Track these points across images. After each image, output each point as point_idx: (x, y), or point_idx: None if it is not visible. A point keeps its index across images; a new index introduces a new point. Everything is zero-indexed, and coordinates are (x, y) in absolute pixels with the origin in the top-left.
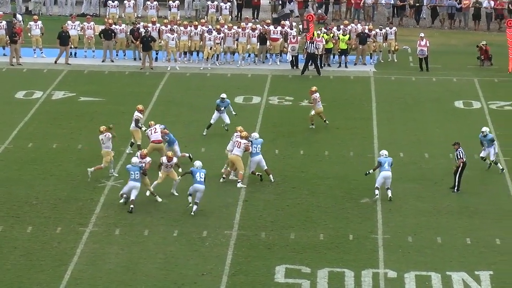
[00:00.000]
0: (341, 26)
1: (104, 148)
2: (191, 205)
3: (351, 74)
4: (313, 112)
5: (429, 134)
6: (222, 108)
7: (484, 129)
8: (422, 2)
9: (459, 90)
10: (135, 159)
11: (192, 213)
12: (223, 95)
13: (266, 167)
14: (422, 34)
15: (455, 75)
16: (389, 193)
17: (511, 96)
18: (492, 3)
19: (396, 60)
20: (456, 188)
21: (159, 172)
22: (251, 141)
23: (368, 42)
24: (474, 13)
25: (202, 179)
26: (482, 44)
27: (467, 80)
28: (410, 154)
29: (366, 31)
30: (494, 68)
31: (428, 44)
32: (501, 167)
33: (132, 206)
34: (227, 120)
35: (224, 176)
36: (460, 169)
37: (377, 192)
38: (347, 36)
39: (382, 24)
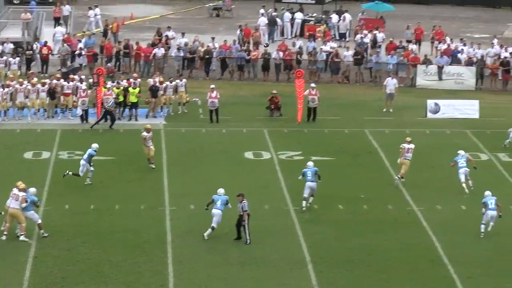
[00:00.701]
0: (131, 79)
1: None
2: None
3: (142, 127)
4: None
5: (220, 186)
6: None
7: (309, 163)
8: (211, 54)
9: (249, 141)
10: None
11: None
12: (97, 146)
13: (39, 221)
14: (212, 86)
15: (244, 126)
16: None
17: (300, 146)
18: (281, 54)
19: (186, 111)
20: (247, 240)
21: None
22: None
23: (159, 95)
24: (263, 64)
25: None
26: (272, 93)
27: (257, 130)
28: (201, 206)
29: (158, 84)
30: (284, 118)
31: (218, 96)
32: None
33: None
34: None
35: (5, 233)
36: (246, 220)
37: (209, 230)
38: (137, 89)
39: (172, 76)
